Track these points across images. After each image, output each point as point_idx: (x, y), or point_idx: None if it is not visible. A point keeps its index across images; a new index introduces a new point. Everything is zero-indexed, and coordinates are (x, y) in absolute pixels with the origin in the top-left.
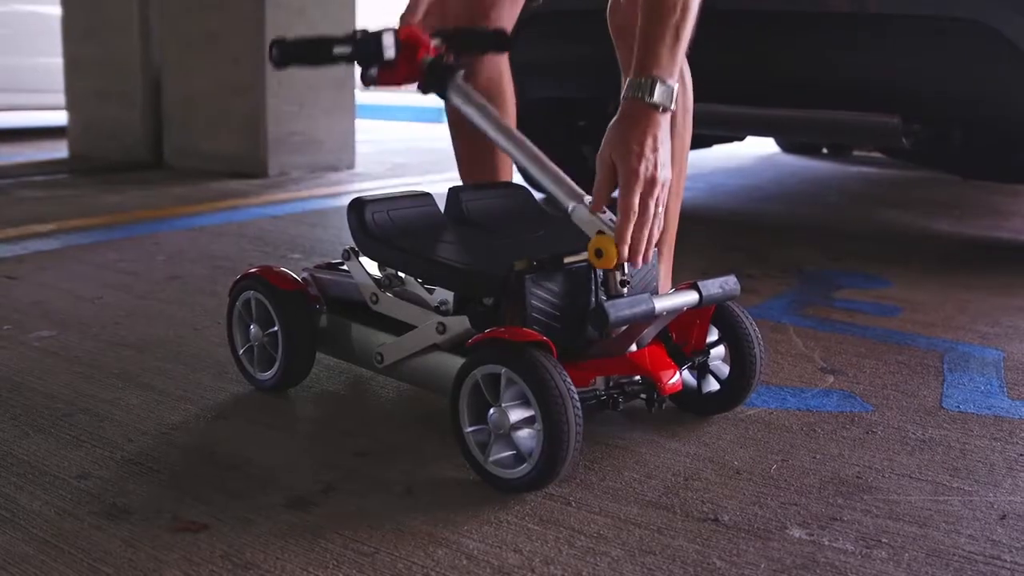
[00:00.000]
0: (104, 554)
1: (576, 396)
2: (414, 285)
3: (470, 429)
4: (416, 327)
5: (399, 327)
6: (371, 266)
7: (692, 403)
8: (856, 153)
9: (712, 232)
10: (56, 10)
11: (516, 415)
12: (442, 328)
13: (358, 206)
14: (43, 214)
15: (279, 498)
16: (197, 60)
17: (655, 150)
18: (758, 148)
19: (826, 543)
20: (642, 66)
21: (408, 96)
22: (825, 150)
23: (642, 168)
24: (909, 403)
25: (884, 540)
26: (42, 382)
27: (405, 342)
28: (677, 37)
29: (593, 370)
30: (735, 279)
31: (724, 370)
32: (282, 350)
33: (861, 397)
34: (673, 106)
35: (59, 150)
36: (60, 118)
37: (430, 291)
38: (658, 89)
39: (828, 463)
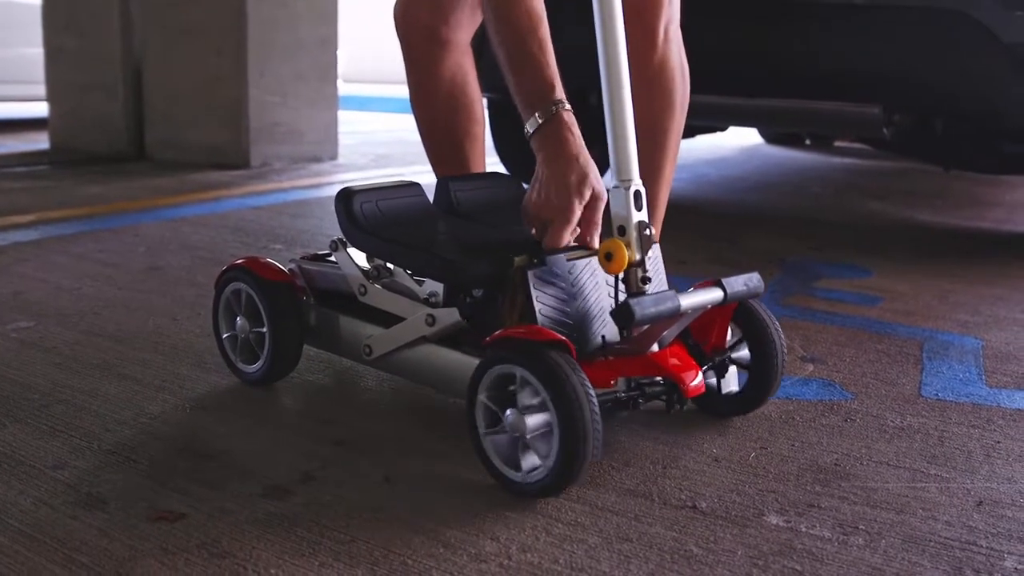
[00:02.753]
0: (80, 544)
1: (595, 400)
2: (403, 276)
3: (486, 431)
4: (405, 319)
5: (387, 319)
6: (359, 257)
7: (711, 404)
8: (838, 144)
9: (695, 222)
10: (36, 0)
11: (534, 419)
12: (431, 320)
13: (346, 196)
14: (23, 205)
15: (256, 487)
16: (179, 51)
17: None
18: (741, 139)
19: (803, 530)
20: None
21: (391, 88)
22: (808, 141)
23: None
24: (888, 391)
25: (861, 526)
26: (19, 373)
27: (394, 334)
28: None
29: (614, 370)
30: (758, 276)
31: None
32: (269, 343)
33: (840, 385)
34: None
35: (40, 142)
36: (42, 110)
37: (419, 283)
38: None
39: (806, 451)
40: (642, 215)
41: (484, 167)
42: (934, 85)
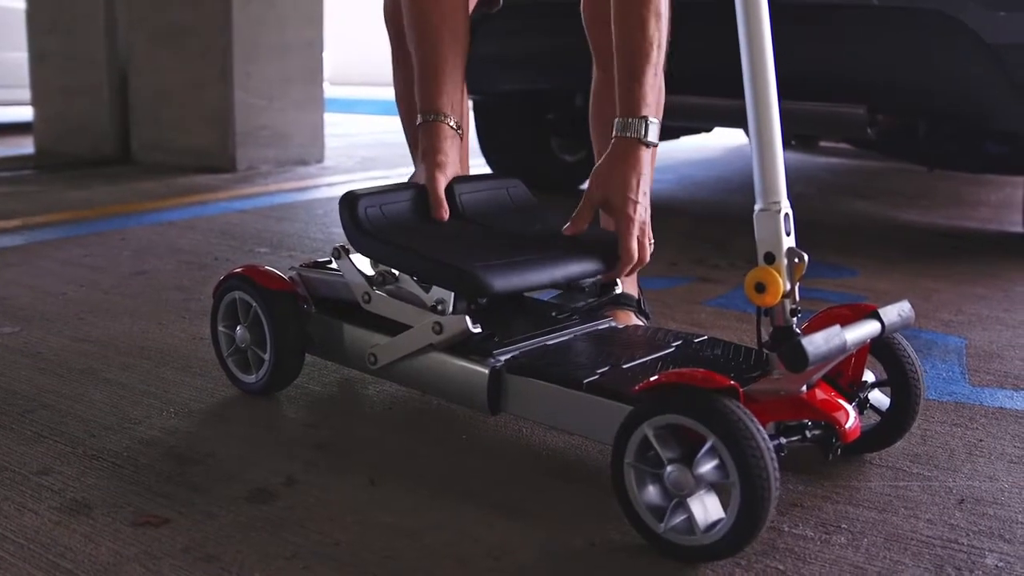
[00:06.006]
0: (64, 549)
1: (774, 452)
2: (408, 283)
3: (642, 497)
4: (411, 327)
5: (393, 327)
6: (363, 264)
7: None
8: (823, 144)
9: (680, 223)
10: (21, 4)
11: (705, 473)
12: (439, 328)
13: (351, 200)
14: (8, 210)
15: (241, 491)
16: (164, 54)
17: (645, 193)
18: (727, 140)
19: (786, 529)
20: (632, 106)
21: (377, 90)
22: (793, 141)
23: (637, 215)
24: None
25: (843, 526)
26: (3, 378)
27: (400, 342)
28: (656, 74)
29: (765, 414)
30: (910, 305)
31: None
32: (271, 352)
33: None
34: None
35: (25, 146)
36: (26, 114)
37: (426, 289)
38: (652, 129)
39: (789, 449)
40: (791, 240)
41: (467, 165)
42: (918, 86)
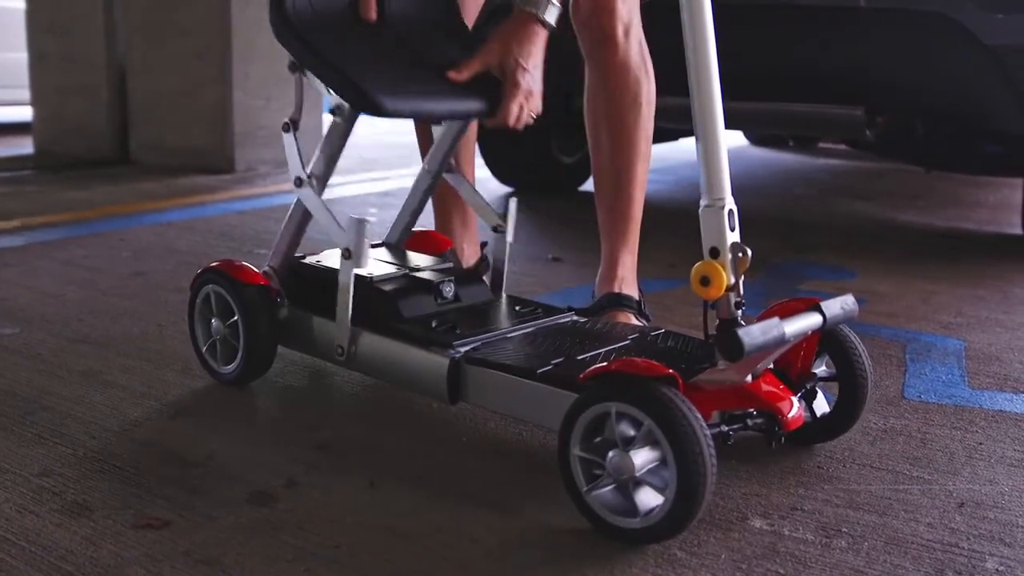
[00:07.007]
0: (65, 552)
1: (711, 439)
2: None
3: (588, 487)
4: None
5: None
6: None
7: (798, 431)
8: (821, 145)
9: (679, 224)
10: (20, 4)
11: (642, 459)
12: (347, 253)
13: None
14: (7, 210)
15: (241, 493)
16: (162, 55)
17: (537, 66)
18: (726, 141)
19: (786, 533)
20: None
21: None
22: (791, 143)
23: (525, 82)
24: (871, 393)
25: (844, 529)
26: (3, 379)
27: (339, 305)
28: None
29: (710, 403)
30: (853, 298)
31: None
32: (243, 343)
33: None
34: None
35: (24, 146)
36: (26, 114)
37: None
38: (551, 11)
39: (790, 453)
40: (735, 236)
41: (473, 165)
42: (916, 87)
